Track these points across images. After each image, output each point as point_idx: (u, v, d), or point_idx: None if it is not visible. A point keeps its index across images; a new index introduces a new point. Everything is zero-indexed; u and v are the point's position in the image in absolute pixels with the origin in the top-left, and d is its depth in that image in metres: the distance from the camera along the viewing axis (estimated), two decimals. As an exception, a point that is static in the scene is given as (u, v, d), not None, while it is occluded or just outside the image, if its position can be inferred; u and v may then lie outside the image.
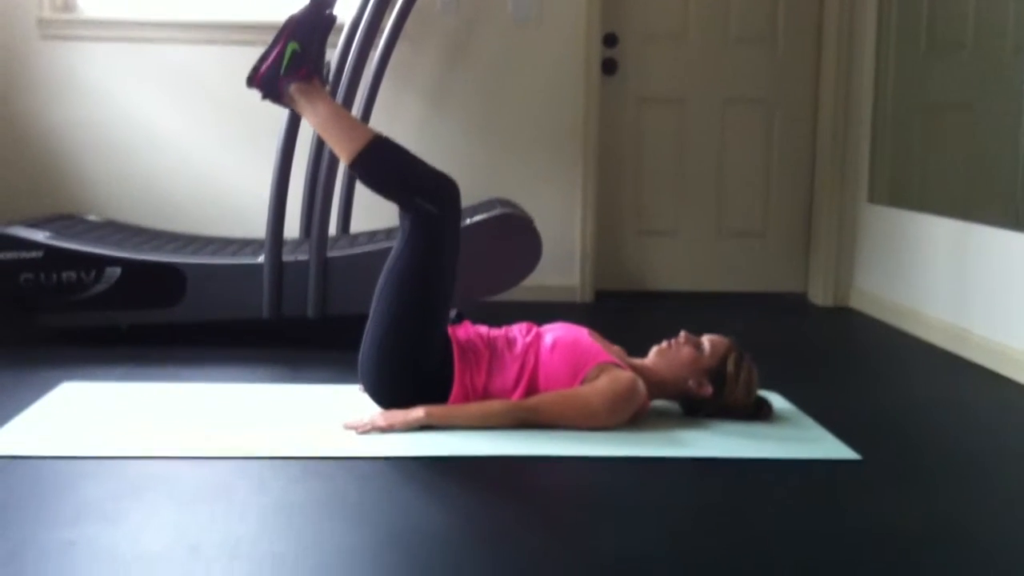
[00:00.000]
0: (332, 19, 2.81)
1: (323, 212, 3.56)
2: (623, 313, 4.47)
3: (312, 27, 2.74)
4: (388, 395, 2.70)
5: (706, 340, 2.81)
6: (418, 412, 2.62)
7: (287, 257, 3.57)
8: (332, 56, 3.96)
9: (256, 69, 2.73)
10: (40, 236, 3.54)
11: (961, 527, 2.18)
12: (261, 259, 3.55)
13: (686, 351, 2.79)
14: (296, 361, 3.41)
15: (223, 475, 2.33)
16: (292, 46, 2.70)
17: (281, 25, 2.75)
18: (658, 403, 2.86)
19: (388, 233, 3.84)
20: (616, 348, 2.88)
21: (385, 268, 2.71)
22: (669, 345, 2.82)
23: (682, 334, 2.83)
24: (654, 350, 2.83)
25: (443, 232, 2.69)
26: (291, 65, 2.71)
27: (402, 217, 2.71)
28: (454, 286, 2.74)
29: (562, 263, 4.64)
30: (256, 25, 4.34)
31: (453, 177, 2.74)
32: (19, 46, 4.41)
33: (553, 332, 2.79)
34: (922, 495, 2.36)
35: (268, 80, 2.72)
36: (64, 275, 3.48)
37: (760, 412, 2.83)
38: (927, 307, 4.01)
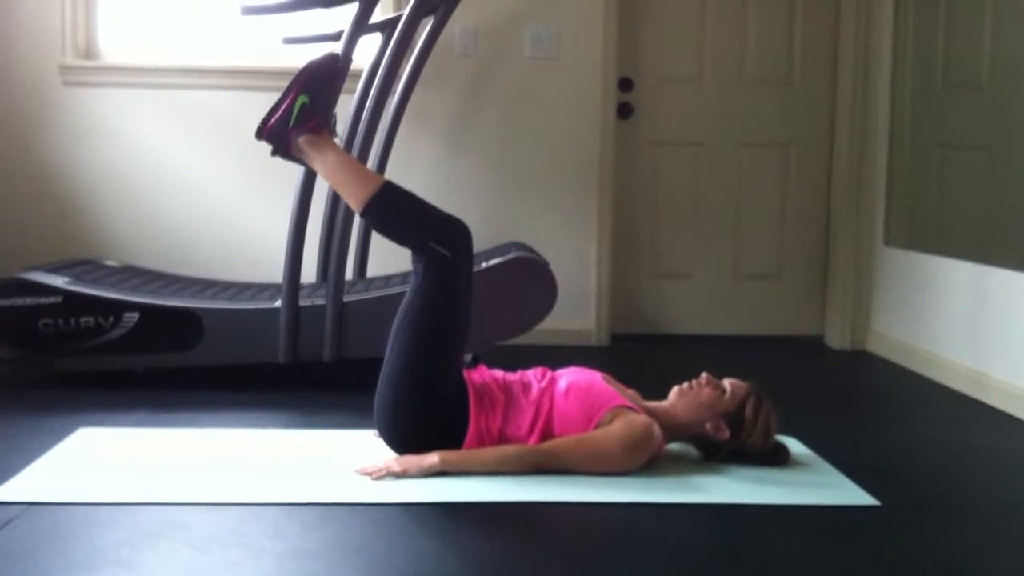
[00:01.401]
0: (344, 70, 2.83)
1: (340, 256, 3.58)
2: (639, 356, 4.46)
3: (323, 80, 2.76)
4: (403, 439, 2.70)
5: (727, 383, 2.80)
6: (432, 458, 2.61)
7: (304, 301, 3.58)
8: (351, 101, 4.00)
9: (265, 121, 2.76)
10: (59, 281, 3.56)
11: (982, 571, 2.15)
12: (278, 303, 3.57)
13: (706, 392, 2.78)
14: (312, 405, 3.41)
15: (238, 521, 2.33)
16: (302, 99, 2.73)
17: (293, 77, 2.77)
18: (674, 447, 2.85)
19: (404, 277, 3.86)
20: (631, 391, 2.87)
21: (399, 312, 2.72)
22: (690, 386, 2.81)
23: (703, 375, 2.82)
24: (674, 390, 2.82)
25: (456, 275, 2.70)
26: (300, 118, 2.73)
27: (415, 261, 2.72)
28: (469, 329, 2.75)
29: (578, 306, 4.64)
30: (275, 71, 4.39)
31: (466, 220, 2.75)
32: (41, 92, 4.47)
33: (567, 376, 2.79)
34: (942, 540, 2.33)
35: (277, 132, 2.75)
36: (82, 320, 3.50)
37: (777, 457, 2.81)
38: (945, 350, 3.99)
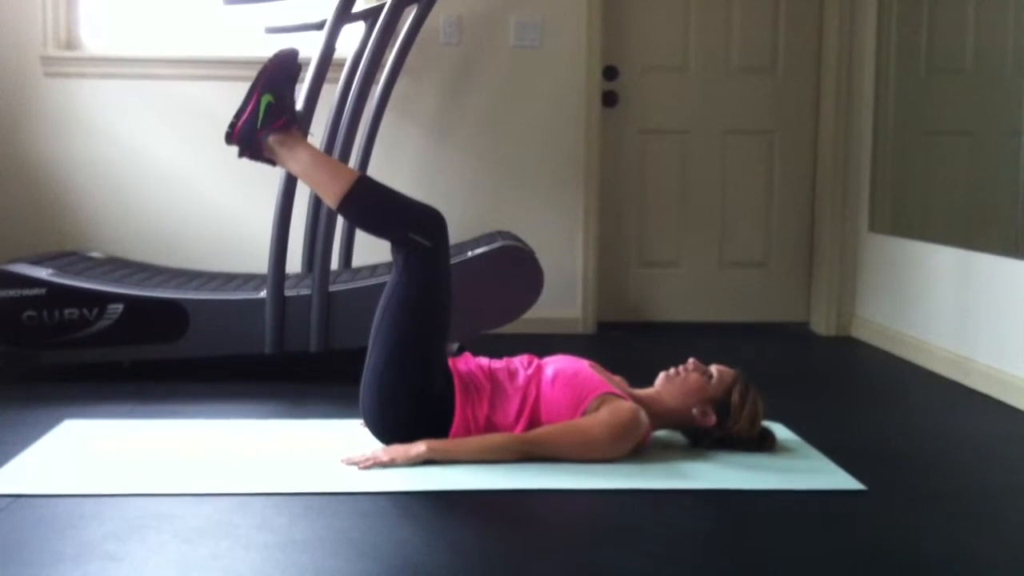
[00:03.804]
0: (299, 66, 2.81)
1: (325, 246, 3.57)
2: (625, 344, 4.47)
3: (284, 76, 2.73)
4: (389, 429, 2.69)
5: (714, 369, 2.81)
6: (419, 447, 2.61)
7: (289, 292, 3.57)
8: (334, 91, 3.98)
9: (233, 125, 2.73)
10: (43, 273, 3.54)
11: (969, 557, 2.16)
12: (263, 294, 3.56)
13: (693, 378, 2.78)
14: (298, 396, 3.40)
15: (225, 512, 2.32)
16: (267, 98, 2.70)
17: (255, 77, 2.75)
18: (662, 434, 2.86)
19: (390, 267, 3.83)
20: (617, 379, 2.88)
21: (381, 303, 2.72)
22: (677, 371, 2.81)
23: (691, 361, 2.83)
24: (661, 376, 2.83)
25: (436, 263, 2.70)
26: (267, 117, 2.71)
27: (395, 252, 2.72)
28: (450, 317, 2.75)
29: (564, 295, 4.64)
30: (258, 61, 4.33)
31: (451, 210, 2.75)
32: (23, 84, 4.44)
33: (554, 364, 2.79)
34: (929, 525, 2.35)
35: (246, 135, 2.71)
36: (67, 312, 3.49)
37: (764, 443, 2.82)
38: (930, 336, 4.01)
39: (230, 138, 2.74)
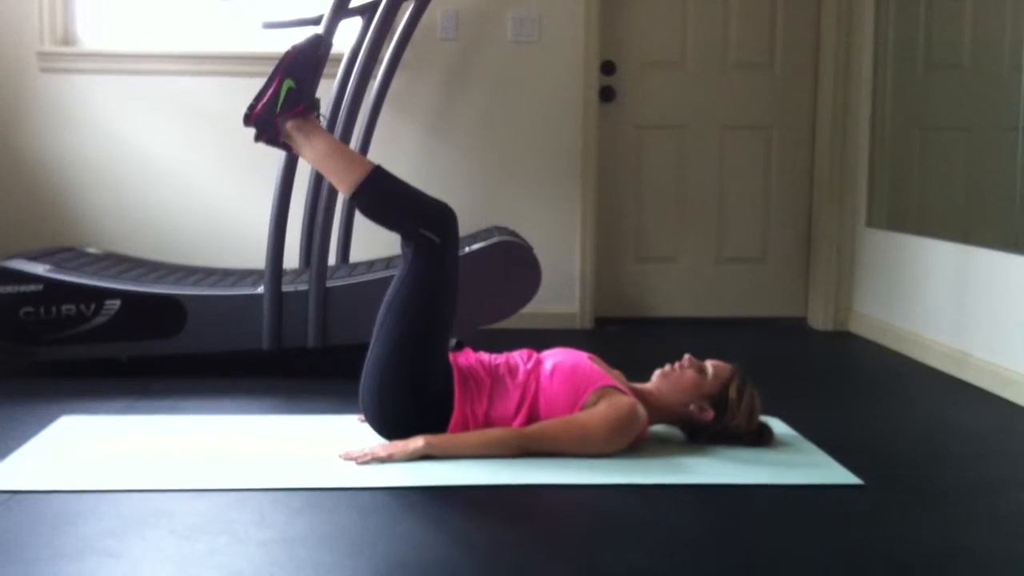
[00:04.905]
0: (326, 54, 2.82)
1: (323, 242, 3.57)
2: (623, 340, 4.47)
3: (307, 64, 2.75)
4: (389, 424, 2.69)
5: (709, 364, 2.81)
6: (418, 442, 2.61)
7: (287, 287, 3.57)
8: (331, 86, 3.98)
9: (252, 107, 2.74)
10: (40, 269, 3.54)
11: (965, 551, 2.17)
12: (261, 289, 3.56)
13: (689, 375, 2.78)
14: (296, 392, 3.40)
15: (223, 508, 2.32)
16: (288, 83, 2.71)
17: (277, 62, 2.76)
18: (659, 429, 2.86)
19: (387, 262, 3.85)
20: (616, 372, 2.87)
21: (387, 297, 2.72)
22: (672, 368, 2.81)
23: (686, 357, 2.83)
24: (657, 373, 2.83)
25: (444, 259, 2.70)
26: (287, 102, 2.72)
27: (404, 246, 2.72)
28: (455, 314, 2.75)
29: (562, 290, 4.64)
30: (255, 56, 4.36)
31: (451, 205, 2.75)
32: (19, 79, 4.43)
33: (553, 358, 2.79)
34: (926, 519, 2.35)
35: (264, 118, 2.73)
36: (64, 308, 3.48)
37: (762, 438, 2.82)
38: (927, 330, 4.01)
39: (248, 119, 2.75)
